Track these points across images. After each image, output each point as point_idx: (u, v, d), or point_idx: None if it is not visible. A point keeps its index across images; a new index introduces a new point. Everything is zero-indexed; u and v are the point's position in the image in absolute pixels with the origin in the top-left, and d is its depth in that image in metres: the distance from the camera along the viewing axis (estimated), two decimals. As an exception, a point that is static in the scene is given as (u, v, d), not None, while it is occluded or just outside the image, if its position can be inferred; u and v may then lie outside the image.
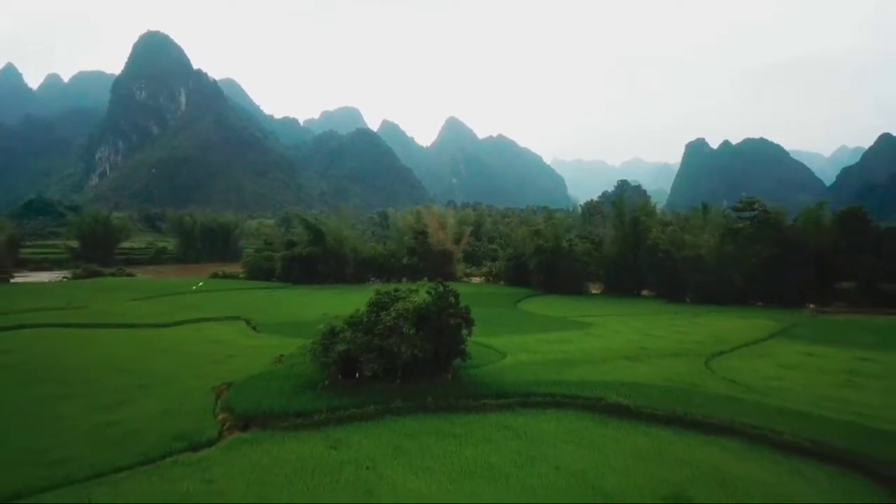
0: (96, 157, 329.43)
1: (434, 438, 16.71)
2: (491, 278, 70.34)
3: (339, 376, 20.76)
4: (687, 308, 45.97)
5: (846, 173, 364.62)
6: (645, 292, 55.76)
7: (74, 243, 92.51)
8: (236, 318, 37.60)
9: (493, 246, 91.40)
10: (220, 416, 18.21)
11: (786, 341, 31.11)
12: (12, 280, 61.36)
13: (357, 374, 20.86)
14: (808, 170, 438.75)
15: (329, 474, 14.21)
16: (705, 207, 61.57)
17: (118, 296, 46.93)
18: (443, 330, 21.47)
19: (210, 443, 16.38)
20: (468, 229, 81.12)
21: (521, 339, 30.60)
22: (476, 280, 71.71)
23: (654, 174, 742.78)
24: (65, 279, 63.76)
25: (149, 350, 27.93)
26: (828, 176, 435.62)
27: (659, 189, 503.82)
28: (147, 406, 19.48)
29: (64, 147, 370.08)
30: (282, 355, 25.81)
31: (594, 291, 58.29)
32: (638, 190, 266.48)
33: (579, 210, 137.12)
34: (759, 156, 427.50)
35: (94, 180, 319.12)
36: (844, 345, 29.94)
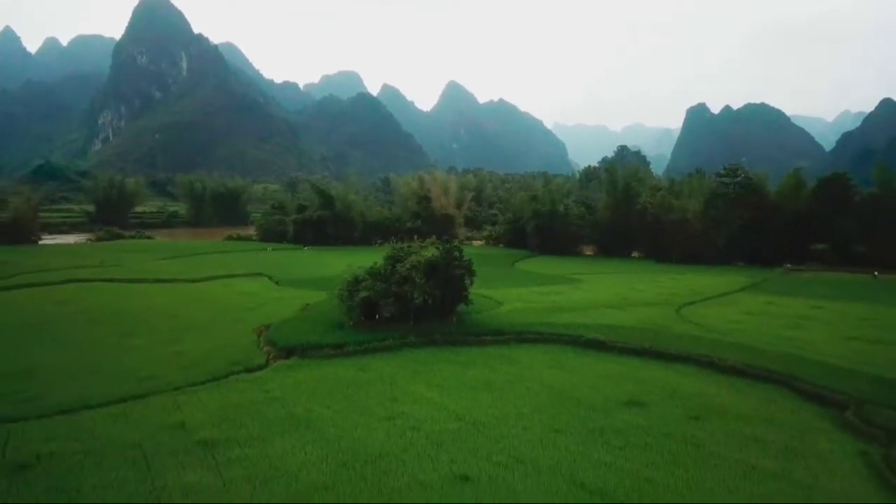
0: (99, 122, 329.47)
1: (443, 364, 20.39)
2: (491, 241, 73.73)
3: (362, 318, 24.43)
4: (672, 267, 49.49)
5: (846, 138, 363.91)
6: (635, 254, 59.18)
7: (90, 207, 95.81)
8: (259, 274, 41.22)
9: (493, 211, 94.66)
10: (265, 349, 21.91)
11: (753, 294, 34.73)
12: (40, 242, 64.86)
13: (377, 316, 24.54)
14: (809, 135, 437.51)
15: (361, 388, 17.89)
16: (699, 173, 64.54)
17: (146, 256, 50.46)
18: (449, 279, 25.04)
19: (260, 367, 20.11)
20: (469, 194, 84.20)
21: (517, 291, 34.21)
22: (477, 243, 75.08)
23: (656, 139, 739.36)
24: (89, 241, 67.26)
25: (189, 300, 31.58)
26: (830, 141, 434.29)
27: (660, 154, 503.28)
28: (201, 342, 23.16)
29: (65, 112, 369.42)
30: (307, 304, 29.47)
31: (588, 253, 61.73)
32: (637, 156, 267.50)
33: (577, 176, 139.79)
34: (759, 121, 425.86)
35: (98, 145, 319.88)
36: (804, 296, 33.54)
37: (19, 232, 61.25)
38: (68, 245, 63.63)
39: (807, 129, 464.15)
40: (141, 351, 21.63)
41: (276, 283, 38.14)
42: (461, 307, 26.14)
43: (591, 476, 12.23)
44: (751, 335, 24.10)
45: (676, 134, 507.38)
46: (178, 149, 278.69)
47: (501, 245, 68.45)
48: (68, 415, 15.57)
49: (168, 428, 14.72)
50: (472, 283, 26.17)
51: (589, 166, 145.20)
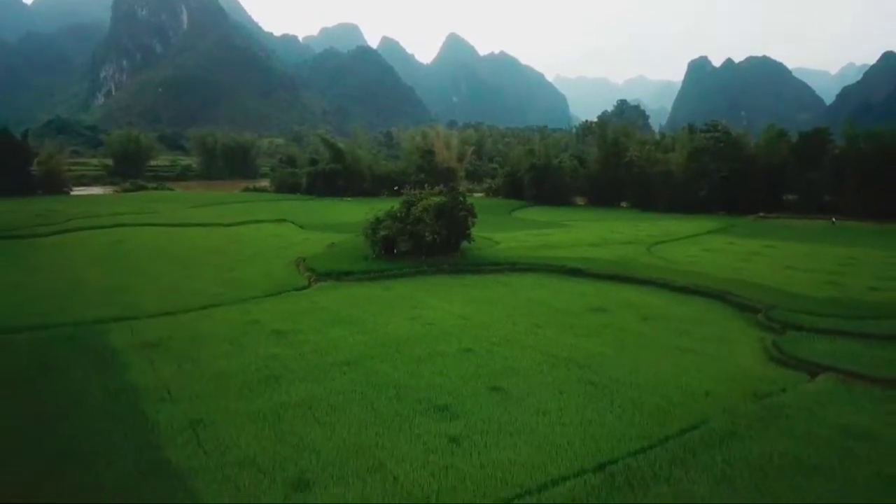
0: (101, 75, 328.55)
1: (450, 286, 25.21)
2: (490, 193, 77.94)
3: (383, 252, 29.17)
4: (654, 215, 53.94)
5: (846, 92, 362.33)
6: (623, 204, 63.50)
7: (109, 161, 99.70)
8: (283, 220, 45.81)
9: (493, 164, 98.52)
10: (306, 274, 26.72)
11: (719, 236, 39.37)
12: (71, 193, 69.20)
13: (395, 251, 29.26)
14: (810, 88, 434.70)
15: (387, 301, 22.72)
16: (691, 128, 68.27)
17: (175, 205, 54.89)
18: (454, 220, 29.70)
19: (304, 288, 24.93)
20: (470, 148, 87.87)
21: (513, 234, 38.88)
22: (477, 195, 79.12)
23: (658, 92, 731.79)
24: (115, 192, 71.59)
25: (229, 240, 36.27)
26: (833, 95, 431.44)
27: (661, 108, 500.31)
28: (250, 271, 27.92)
29: (65, 65, 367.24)
30: (333, 243, 34.15)
31: (579, 203, 66.08)
32: (637, 110, 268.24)
33: (574, 131, 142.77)
34: (760, 74, 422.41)
35: (100, 99, 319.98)
36: (762, 237, 38.18)
37: (52, 183, 65.54)
38: (99, 195, 68.04)
39: (810, 82, 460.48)
40: (204, 277, 26.41)
41: (301, 227, 42.68)
42: (465, 244, 30.88)
43: (561, 350, 17.07)
44: (705, 266, 28.81)
45: (678, 86, 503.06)
46: (182, 103, 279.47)
47: (500, 196, 72.67)
48: (168, 316, 20.40)
49: (247, 323, 19.57)
50: (473, 224, 30.83)
51: (586, 121, 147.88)
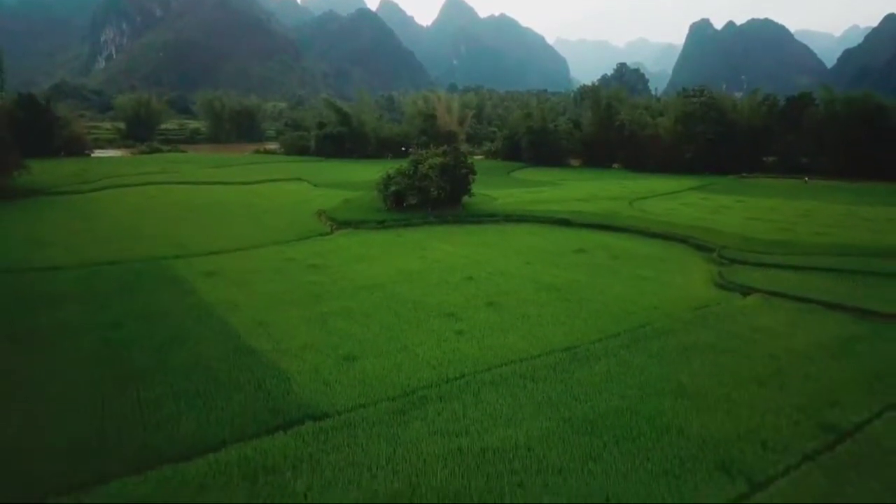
0: (101, 39, 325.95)
1: (453, 233, 28.90)
2: (490, 156, 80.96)
3: (393, 205, 32.77)
4: (643, 175, 57.22)
5: (848, 55, 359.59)
6: (615, 165, 66.68)
7: (121, 124, 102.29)
8: (298, 179, 49.23)
9: (493, 128, 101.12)
10: (328, 223, 30.40)
11: (697, 192, 42.86)
12: (92, 155, 72.28)
13: (404, 204, 32.85)
14: (811, 51, 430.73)
15: (400, 244, 26.45)
16: (684, 91, 70.90)
17: (195, 166, 58.11)
18: (457, 177, 33.22)
19: (327, 234, 28.63)
20: (470, 112, 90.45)
21: (510, 191, 42.37)
22: (477, 158, 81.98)
23: (659, 55, 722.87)
24: (132, 154, 74.73)
25: (252, 196, 39.81)
26: (835, 57, 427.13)
27: (662, 71, 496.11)
28: (278, 220, 31.55)
29: (64, 28, 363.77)
30: (347, 199, 37.70)
31: (574, 164, 69.24)
32: (636, 73, 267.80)
33: (571, 96, 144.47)
34: (762, 37, 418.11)
35: (102, 63, 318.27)
36: (735, 194, 41.69)
37: (74, 146, 68.57)
38: (120, 157, 71.16)
39: (813, 44, 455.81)
40: (238, 226, 30.06)
41: (315, 185, 46.13)
42: (466, 198, 34.46)
43: (544, 279, 20.81)
44: (677, 217, 32.39)
45: (680, 50, 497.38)
46: (183, 67, 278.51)
47: (499, 158, 75.69)
48: (216, 255, 24.13)
49: (284, 260, 23.32)
50: (473, 180, 34.37)
51: (584, 85, 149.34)
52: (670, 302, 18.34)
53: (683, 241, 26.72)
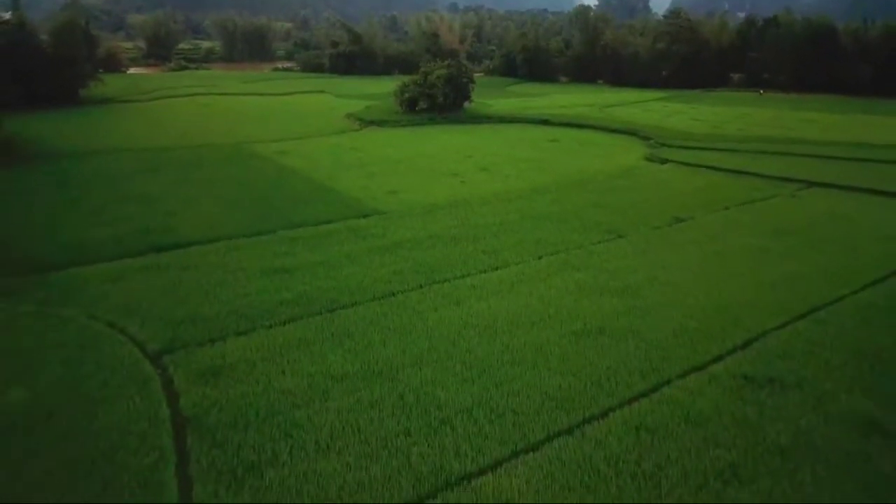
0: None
1: (456, 130, 35.78)
2: (488, 73, 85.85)
3: (407, 109, 39.45)
4: (622, 89, 63.02)
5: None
6: (599, 81, 72.01)
7: (141, 44, 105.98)
8: (321, 91, 55.33)
9: (491, 47, 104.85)
10: (356, 123, 37.25)
11: (660, 102, 49.07)
12: (128, 71, 77.36)
13: (416, 108, 39.52)
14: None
15: (415, 137, 33.42)
16: (676, 13, 75.10)
17: (227, 81, 63.66)
18: (459, 85, 39.70)
19: (357, 130, 35.54)
20: (470, 31, 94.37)
21: (506, 101, 48.69)
22: (477, 74, 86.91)
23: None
24: (162, 71, 79.82)
25: (285, 105, 46.13)
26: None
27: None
28: (317, 121, 38.20)
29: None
30: (367, 105, 44.22)
31: (563, 80, 74.49)
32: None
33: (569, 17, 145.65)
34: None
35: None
36: (693, 103, 48.04)
37: (111, 64, 73.55)
38: (155, 74, 76.34)
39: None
40: (287, 124, 36.82)
41: (337, 96, 52.30)
42: (466, 104, 41.08)
43: (523, 156, 27.93)
44: (636, 119, 39.00)
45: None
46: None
47: (496, 75, 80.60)
48: (279, 141, 31.12)
49: (332, 146, 30.35)
50: (473, 88, 40.89)
51: (580, 5, 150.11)
52: (610, 168, 25.71)
53: (634, 134, 33.70)
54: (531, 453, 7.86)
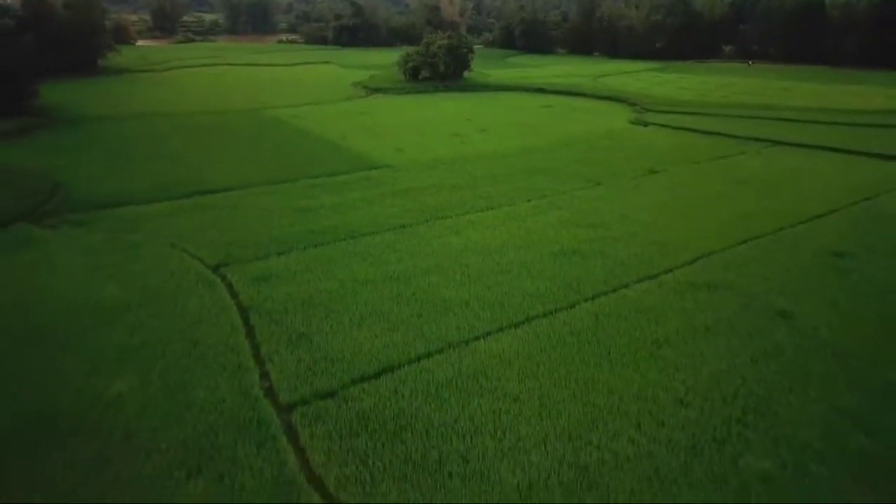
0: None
1: (457, 98, 37.63)
2: (487, 45, 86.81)
3: (411, 77, 41.24)
4: (616, 60, 64.42)
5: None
6: (595, 53, 73.21)
7: (147, 17, 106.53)
8: (326, 62, 56.85)
9: (491, 19, 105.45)
10: (363, 90, 39.09)
11: (651, 73, 50.75)
12: (137, 44, 78.50)
13: (419, 77, 41.30)
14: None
15: (418, 103, 35.31)
16: None
17: (236, 52, 64.96)
18: (459, 55, 41.41)
19: (364, 97, 37.41)
20: (470, 4, 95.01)
21: (504, 71, 50.31)
22: (477, 47, 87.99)
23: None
24: (170, 44, 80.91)
25: (296, 75, 47.83)
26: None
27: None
28: (327, 89, 39.97)
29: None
30: (372, 74, 45.94)
31: (560, 52, 75.72)
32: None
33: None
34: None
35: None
36: (682, 73, 49.67)
37: (120, 36, 74.66)
38: (164, 47, 77.47)
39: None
40: (298, 91, 38.66)
41: (342, 66, 53.93)
42: (466, 73, 42.83)
43: (519, 120, 29.94)
44: (626, 87, 40.83)
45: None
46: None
47: (495, 47, 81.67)
48: (292, 107, 33.06)
49: (341, 111, 32.32)
50: (472, 58, 42.60)
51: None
52: (597, 130, 27.74)
53: (622, 101, 35.60)
54: (514, 328, 10.20)
